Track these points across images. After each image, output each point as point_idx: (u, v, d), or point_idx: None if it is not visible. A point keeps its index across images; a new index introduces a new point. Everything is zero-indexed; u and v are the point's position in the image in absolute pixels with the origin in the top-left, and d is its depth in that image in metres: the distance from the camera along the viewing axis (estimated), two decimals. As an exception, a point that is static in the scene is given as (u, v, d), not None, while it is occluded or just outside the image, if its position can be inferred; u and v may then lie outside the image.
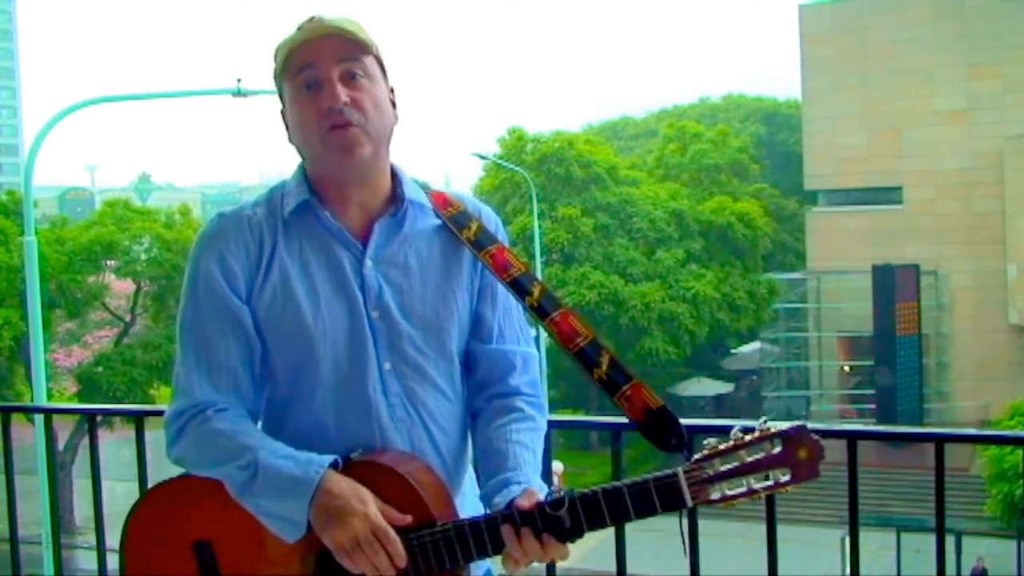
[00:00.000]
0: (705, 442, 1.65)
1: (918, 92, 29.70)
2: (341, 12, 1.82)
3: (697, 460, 1.63)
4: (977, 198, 29.36)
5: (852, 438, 2.25)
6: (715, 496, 1.63)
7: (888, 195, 30.94)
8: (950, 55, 29.54)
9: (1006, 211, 28.53)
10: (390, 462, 1.73)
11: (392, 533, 1.63)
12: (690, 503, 1.62)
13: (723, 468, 1.62)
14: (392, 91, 1.85)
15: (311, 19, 1.78)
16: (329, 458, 1.68)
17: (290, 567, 1.72)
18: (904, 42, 29.91)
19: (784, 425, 1.64)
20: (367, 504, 1.63)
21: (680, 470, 1.63)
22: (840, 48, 30.95)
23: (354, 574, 1.67)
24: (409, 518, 1.65)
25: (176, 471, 1.84)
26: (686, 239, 31.04)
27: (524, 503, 1.66)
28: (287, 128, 1.84)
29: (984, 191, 29.04)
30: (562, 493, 1.65)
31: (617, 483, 1.65)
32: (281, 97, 1.84)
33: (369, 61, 1.79)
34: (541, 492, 1.72)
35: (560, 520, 1.64)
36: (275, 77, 1.82)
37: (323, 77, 1.75)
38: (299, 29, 1.78)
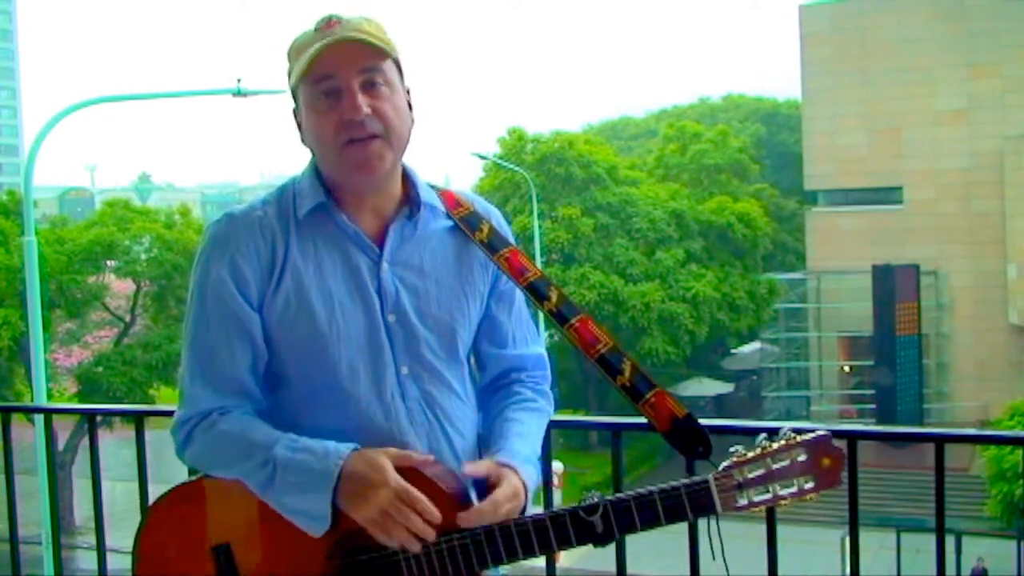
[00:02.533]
0: (732, 450, 1.67)
1: (918, 92, 29.69)
2: (357, 10, 1.77)
3: (727, 467, 1.66)
4: (977, 198, 29.35)
5: (852, 438, 2.25)
6: (743, 503, 1.65)
7: (888, 195, 30.93)
8: (950, 55, 29.52)
9: (1006, 211, 28.52)
10: (420, 466, 1.73)
11: (415, 492, 1.62)
12: (721, 510, 1.65)
13: (751, 476, 1.65)
14: (408, 92, 1.82)
15: (329, 20, 1.72)
16: (347, 447, 1.67)
17: (313, 565, 1.71)
18: (904, 42, 29.90)
19: (809, 435, 1.67)
20: (386, 472, 1.63)
21: (711, 477, 1.65)
22: (840, 48, 30.94)
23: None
24: (431, 458, 1.69)
25: (174, 461, 1.85)
26: (686, 239, 31.02)
27: (468, 469, 1.72)
28: (299, 128, 1.81)
29: (984, 191, 29.03)
30: (596, 498, 1.67)
31: (649, 488, 1.67)
32: (295, 96, 1.79)
33: (389, 66, 1.75)
34: (519, 463, 1.75)
35: (593, 525, 1.65)
36: (289, 77, 1.77)
37: (344, 87, 1.71)
38: (317, 30, 1.72)
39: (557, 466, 18.76)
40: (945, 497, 2.23)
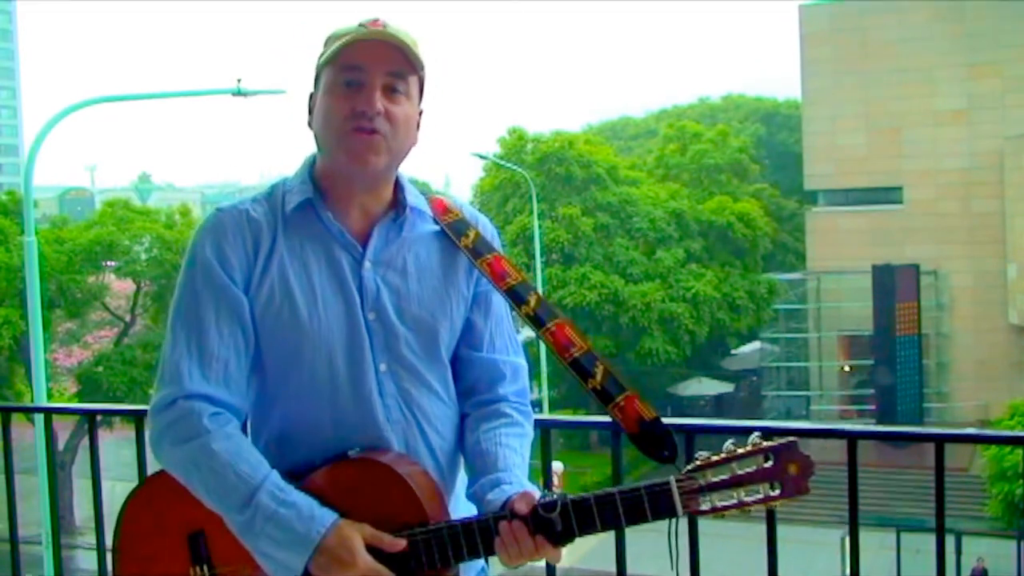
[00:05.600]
0: (698, 454, 1.67)
1: (918, 92, 29.70)
2: (402, 24, 1.83)
3: (689, 471, 1.66)
4: (977, 198, 29.36)
5: (852, 438, 2.25)
6: (705, 507, 1.65)
7: (888, 195, 30.95)
8: (950, 55, 29.54)
9: (1006, 211, 28.54)
10: (389, 462, 1.74)
11: (385, 571, 1.65)
12: (681, 513, 1.65)
13: (714, 480, 1.65)
14: (421, 114, 1.87)
15: (375, 20, 1.79)
16: (331, 516, 1.67)
17: None
18: (904, 42, 29.91)
19: (776, 441, 1.66)
20: (356, 555, 1.65)
21: (673, 479, 1.65)
22: (840, 48, 30.95)
23: None
24: (403, 543, 1.67)
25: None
26: (686, 239, 31.05)
27: (522, 508, 1.67)
28: (310, 111, 1.85)
29: (984, 191, 29.05)
30: (555, 496, 1.67)
31: (610, 489, 1.67)
32: (317, 81, 1.84)
33: (413, 80, 1.82)
34: (536, 495, 1.73)
35: (551, 523, 1.65)
36: (318, 61, 1.83)
37: (367, 81, 1.76)
38: (360, 25, 1.79)
39: (557, 466, 18.76)
40: (945, 497, 2.23)
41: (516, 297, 1.89)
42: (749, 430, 1.75)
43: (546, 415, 2.36)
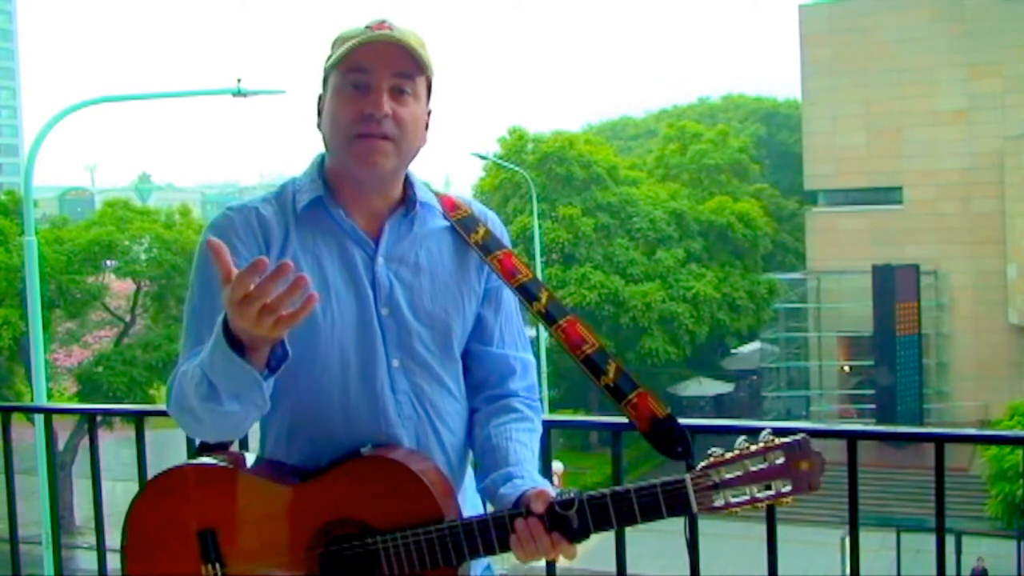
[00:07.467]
0: (710, 451, 1.67)
1: (918, 92, 29.69)
2: (409, 24, 1.83)
3: (703, 468, 1.66)
4: (977, 198, 29.36)
5: (852, 438, 2.25)
6: (719, 503, 1.66)
7: (888, 195, 30.94)
8: (950, 55, 29.53)
9: (1006, 211, 28.52)
10: (402, 459, 1.74)
11: (236, 281, 1.49)
12: (696, 509, 1.66)
13: (728, 476, 1.66)
14: (429, 114, 1.87)
15: (381, 22, 1.79)
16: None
17: (295, 554, 1.73)
18: (904, 42, 29.91)
19: (788, 438, 1.67)
20: (225, 300, 1.52)
21: (688, 477, 1.66)
22: (840, 48, 30.94)
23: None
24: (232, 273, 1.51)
25: (174, 461, 1.85)
26: (686, 239, 31.04)
27: (538, 506, 1.68)
28: (319, 113, 1.85)
29: (984, 191, 29.04)
30: (572, 494, 1.68)
31: (626, 487, 1.67)
32: (325, 81, 1.84)
33: (420, 81, 1.82)
34: (551, 493, 1.74)
35: (568, 520, 1.66)
36: (326, 63, 1.83)
37: (374, 84, 1.76)
38: (367, 27, 1.79)
39: (557, 466, 18.76)
40: (945, 497, 2.23)
41: (527, 294, 1.89)
42: (749, 430, 1.75)
43: (546, 415, 2.35)
